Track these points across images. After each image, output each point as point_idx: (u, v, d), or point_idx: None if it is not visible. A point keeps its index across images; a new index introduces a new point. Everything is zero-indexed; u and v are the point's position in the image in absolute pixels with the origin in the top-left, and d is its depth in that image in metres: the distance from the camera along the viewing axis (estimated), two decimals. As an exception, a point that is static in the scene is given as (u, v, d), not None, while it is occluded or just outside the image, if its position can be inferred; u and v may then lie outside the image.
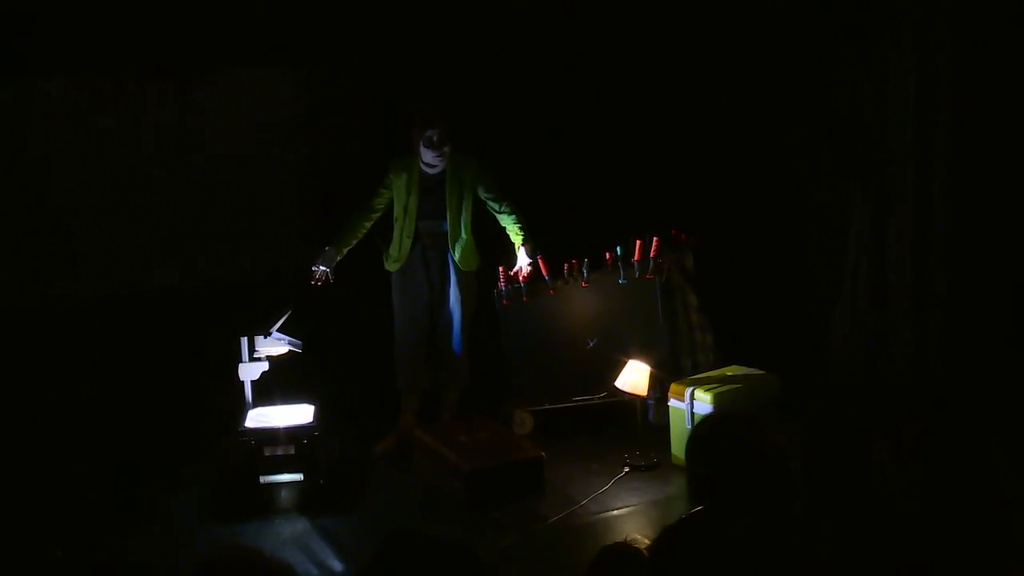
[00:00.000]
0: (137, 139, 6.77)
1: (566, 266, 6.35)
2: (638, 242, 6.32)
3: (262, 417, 5.56)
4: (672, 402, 5.84)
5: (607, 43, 7.10)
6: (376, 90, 7.02)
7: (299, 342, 5.66)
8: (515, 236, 6.15)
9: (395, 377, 6.27)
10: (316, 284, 6.01)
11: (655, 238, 6.33)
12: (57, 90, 6.59)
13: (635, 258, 6.32)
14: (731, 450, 2.97)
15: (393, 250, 6.13)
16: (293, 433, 5.44)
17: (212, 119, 6.88)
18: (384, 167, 6.15)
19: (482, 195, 6.15)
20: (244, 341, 5.54)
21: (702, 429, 3.12)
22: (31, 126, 6.59)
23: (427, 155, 5.92)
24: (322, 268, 5.99)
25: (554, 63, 7.08)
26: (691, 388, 5.75)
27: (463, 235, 6.13)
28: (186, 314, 6.64)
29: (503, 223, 6.18)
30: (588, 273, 6.33)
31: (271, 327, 5.59)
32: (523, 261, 6.15)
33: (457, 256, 6.13)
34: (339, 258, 6.06)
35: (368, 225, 6.15)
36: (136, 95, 6.71)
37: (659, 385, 6.02)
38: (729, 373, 6.00)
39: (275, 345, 5.60)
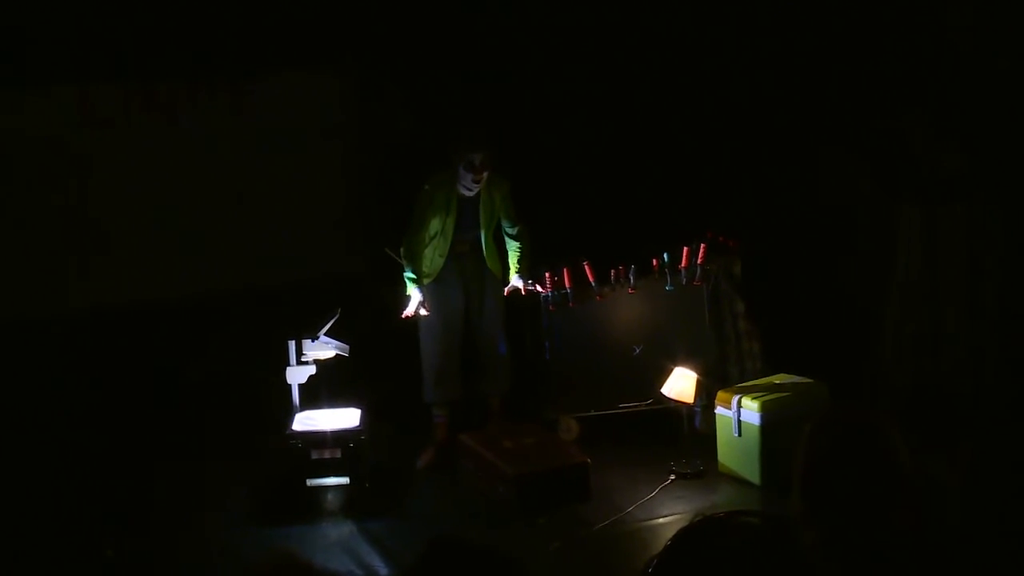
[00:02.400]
0: (187, 143, 6.86)
1: (613, 272, 6.37)
2: (685, 248, 6.33)
3: (309, 420, 5.62)
4: (719, 410, 5.83)
5: (655, 48, 7.12)
6: (424, 95, 7.07)
7: (346, 346, 5.71)
8: (513, 265, 6.20)
9: (424, 392, 6.22)
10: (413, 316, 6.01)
11: (702, 244, 6.34)
12: (107, 97, 6.71)
13: (682, 265, 6.33)
14: (866, 463, 2.52)
15: (425, 266, 6.10)
16: (340, 436, 5.50)
17: (261, 123, 6.95)
18: (422, 181, 6.10)
19: (501, 217, 6.18)
20: (291, 345, 5.60)
21: (823, 440, 2.62)
22: (80, 133, 6.71)
23: (466, 178, 5.91)
24: (417, 301, 5.97)
25: (602, 68, 7.10)
26: (738, 396, 5.74)
27: (492, 244, 6.20)
28: (234, 317, 6.72)
29: (509, 248, 6.23)
30: (635, 279, 6.34)
31: (319, 331, 5.64)
32: (515, 283, 6.19)
33: (489, 263, 6.19)
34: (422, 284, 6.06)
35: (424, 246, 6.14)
36: (186, 100, 6.80)
37: (706, 393, 6.03)
38: (777, 381, 5.98)
39: (322, 349, 5.65)
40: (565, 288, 6.29)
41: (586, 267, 6.30)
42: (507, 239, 6.22)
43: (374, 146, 7.14)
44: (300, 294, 6.63)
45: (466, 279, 6.19)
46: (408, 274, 5.98)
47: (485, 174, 5.91)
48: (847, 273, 6.79)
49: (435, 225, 6.02)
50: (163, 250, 6.93)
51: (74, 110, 6.71)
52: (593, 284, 6.33)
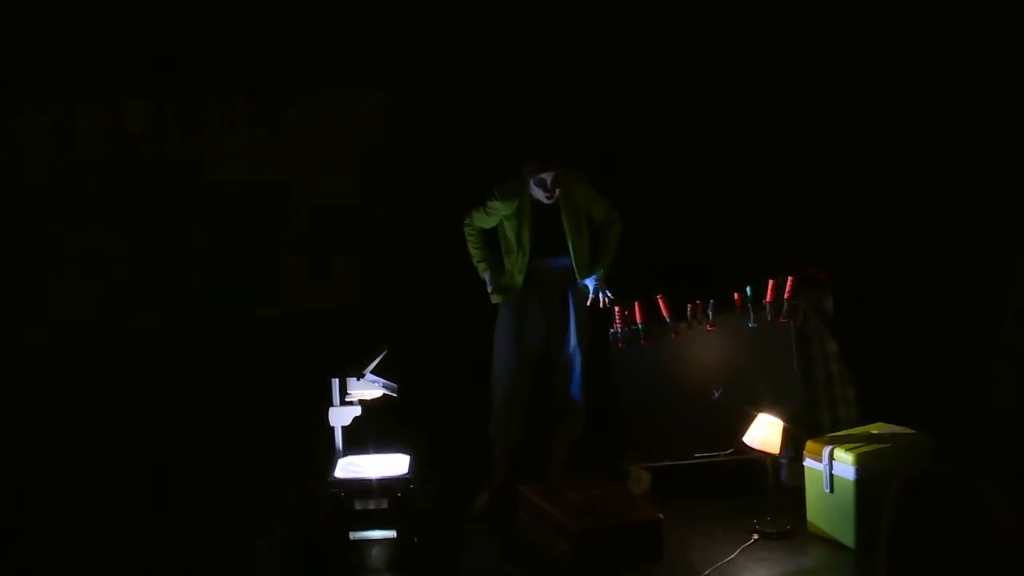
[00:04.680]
0: (223, 161, 6.89)
1: (689, 307, 6.23)
2: (770, 282, 6.18)
3: (353, 467, 5.52)
4: (808, 462, 5.63)
5: (738, 68, 7.13)
6: (478, 114, 7.07)
7: (395, 385, 5.61)
8: (594, 260, 6.09)
9: (490, 427, 6.19)
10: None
11: (789, 277, 6.19)
12: (139, 112, 6.75)
13: (767, 299, 6.19)
14: (960, 528, 2.52)
15: (505, 279, 6.09)
16: (387, 485, 5.39)
17: (303, 141, 7.00)
18: (487, 193, 6.09)
19: (591, 213, 6.12)
20: (335, 383, 5.50)
21: (912, 499, 2.62)
22: (114, 147, 6.78)
23: (537, 193, 5.92)
24: (491, 286, 6.06)
25: (682, 89, 7.13)
26: (830, 447, 5.54)
27: (587, 254, 6.11)
28: (273, 352, 6.71)
29: (602, 238, 6.15)
30: (714, 315, 6.21)
31: (365, 369, 5.54)
32: (594, 284, 6.07)
33: (581, 277, 6.07)
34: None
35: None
36: (222, 116, 6.84)
37: (793, 443, 5.87)
38: (874, 431, 5.77)
39: (369, 388, 5.55)
40: (636, 324, 6.18)
41: (660, 301, 6.18)
42: (603, 232, 6.17)
43: (424, 168, 7.10)
44: (344, 328, 6.62)
45: (549, 313, 6.11)
46: (474, 262, 6.09)
47: (558, 192, 5.89)
48: (955, 310, 6.59)
49: (509, 236, 6.01)
50: (193, 277, 6.93)
51: (105, 125, 6.81)
52: (668, 320, 6.21)
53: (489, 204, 6.01)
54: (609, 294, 6.04)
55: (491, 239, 6.14)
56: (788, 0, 7.01)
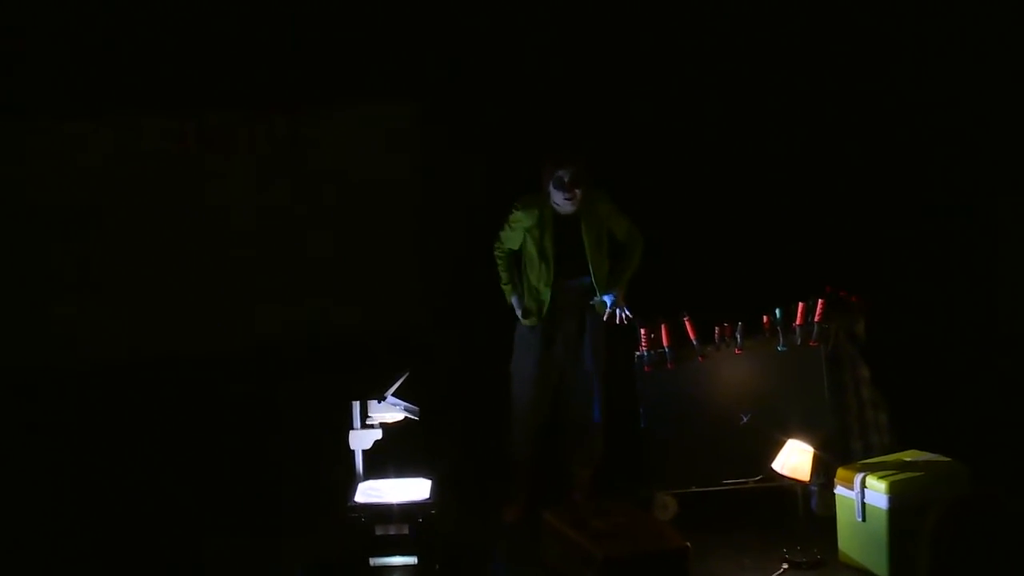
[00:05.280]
0: (242, 179, 6.90)
1: (717, 330, 6.18)
2: (800, 304, 6.13)
3: (373, 491, 5.45)
4: (839, 490, 5.58)
5: (767, 95, 7.14)
6: (502, 129, 7.07)
7: (416, 408, 5.55)
8: (613, 277, 6.05)
9: (508, 443, 6.16)
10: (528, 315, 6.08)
11: (820, 300, 6.14)
12: (158, 126, 6.78)
13: (797, 322, 6.14)
14: (1004, 562, 2.57)
15: (529, 301, 6.05)
16: (408, 510, 5.31)
17: (322, 159, 7.00)
18: (509, 206, 6.10)
19: (612, 230, 6.09)
20: (356, 406, 5.45)
21: (953, 531, 2.68)
22: (130, 164, 6.80)
23: (556, 196, 5.86)
24: (519, 308, 6.05)
25: (710, 108, 7.12)
26: (862, 474, 5.48)
27: (607, 271, 6.07)
28: (293, 374, 6.69)
29: (623, 256, 6.12)
30: (742, 338, 6.16)
31: (386, 391, 5.50)
32: (611, 301, 6.03)
33: (601, 294, 6.04)
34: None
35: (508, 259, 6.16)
36: (243, 132, 6.85)
37: (824, 470, 5.81)
38: (907, 459, 5.70)
39: (390, 411, 5.50)
40: (663, 347, 6.14)
41: (687, 323, 6.13)
42: (624, 252, 6.14)
43: (450, 186, 7.07)
44: (365, 349, 6.61)
45: (566, 326, 6.08)
46: (502, 285, 6.10)
47: (578, 192, 5.82)
48: (991, 334, 6.52)
49: (531, 249, 5.98)
50: (212, 296, 6.93)
51: (126, 141, 6.85)
52: (695, 343, 6.16)
53: (511, 217, 6.01)
54: (628, 312, 6.00)
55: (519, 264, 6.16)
56: (824, 24, 6.96)
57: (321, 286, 7.05)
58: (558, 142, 6.05)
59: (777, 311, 6.15)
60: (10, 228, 6.82)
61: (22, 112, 6.63)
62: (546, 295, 5.99)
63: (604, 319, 6.00)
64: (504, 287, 6.08)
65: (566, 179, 5.77)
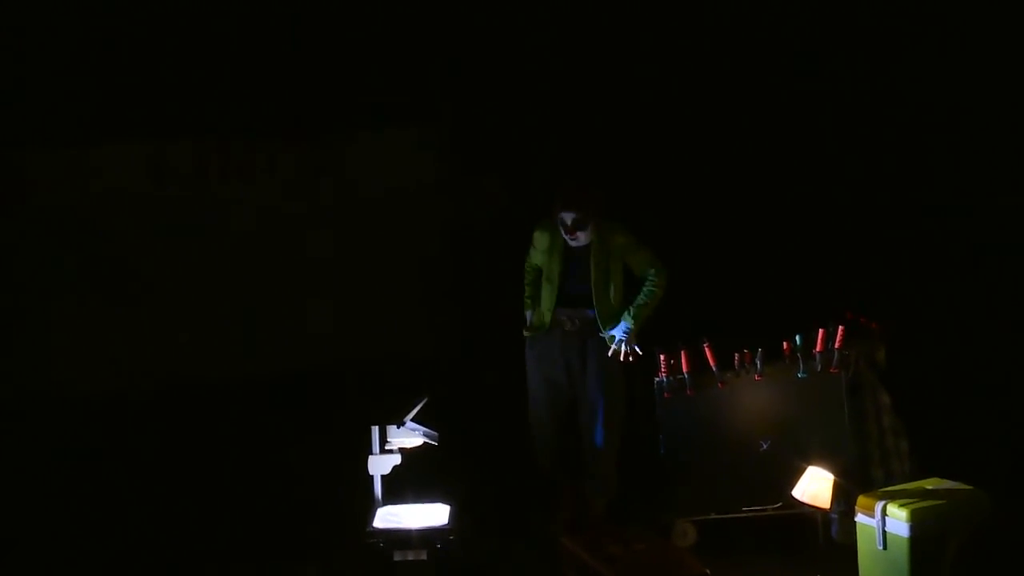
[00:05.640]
0: (265, 205, 6.91)
1: (737, 356, 6.16)
2: (821, 331, 6.11)
3: (392, 517, 5.43)
4: (860, 518, 5.50)
5: (788, 121, 7.14)
6: (515, 154, 7.10)
7: (435, 434, 5.54)
8: (627, 310, 5.99)
9: (536, 462, 6.17)
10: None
11: (840, 327, 6.11)
12: (182, 154, 6.81)
13: (817, 349, 6.11)
14: None
15: (536, 318, 6.12)
16: (426, 536, 5.29)
17: (341, 185, 7.01)
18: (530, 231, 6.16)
19: (630, 266, 6.07)
20: (375, 431, 5.44)
21: (977, 560, 2.61)
22: (155, 191, 6.82)
23: (562, 233, 5.94)
24: (617, 335, 5.99)
25: (737, 137, 7.13)
26: (883, 502, 5.41)
27: (612, 306, 6.03)
28: (311, 399, 6.71)
29: (640, 289, 6.08)
30: (762, 365, 6.14)
31: (405, 416, 5.48)
32: (619, 334, 5.96)
33: (605, 328, 6.00)
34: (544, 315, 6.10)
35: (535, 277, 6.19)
36: (264, 159, 6.89)
37: (844, 497, 5.78)
38: (928, 487, 5.61)
39: (409, 436, 5.48)
40: (682, 373, 6.13)
41: (707, 349, 6.11)
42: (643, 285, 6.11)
43: (472, 214, 7.09)
44: (385, 374, 6.60)
45: (570, 356, 6.07)
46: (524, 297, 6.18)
47: (580, 234, 5.88)
48: (1014, 360, 6.48)
49: (543, 267, 6.06)
50: (233, 322, 6.93)
51: (149, 169, 6.91)
52: (714, 369, 6.14)
53: (533, 237, 6.09)
54: (637, 349, 5.95)
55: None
56: (845, 52, 6.97)
57: (343, 313, 7.05)
58: (571, 179, 6.07)
59: (797, 337, 6.13)
60: (34, 253, 6.87)
61: (48, 141, 6.69)
62: (548, 318, 6.04)
63: (609, 354, 5.97)
64: (525, 300, 6.15)
65: (568, 222, 5.85)
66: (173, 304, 6.97)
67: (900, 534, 5.27)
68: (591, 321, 6.03)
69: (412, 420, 5.50)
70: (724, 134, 7.17)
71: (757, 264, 7.00)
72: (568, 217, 5.85)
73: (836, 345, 6.08)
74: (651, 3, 7.18)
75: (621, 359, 5.95)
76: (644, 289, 6.00)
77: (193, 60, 6.68)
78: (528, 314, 6.14)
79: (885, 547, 5.33)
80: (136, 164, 6.87)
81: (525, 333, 6.15)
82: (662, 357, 6.11)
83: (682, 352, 6.12)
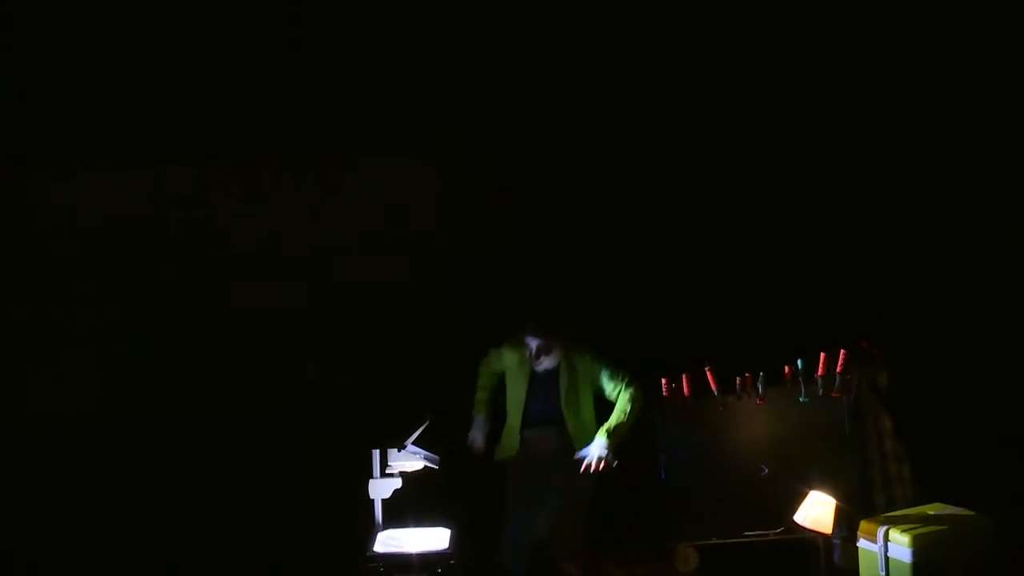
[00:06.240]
0: (268, 229, 6.93)
1: (739, 380, 6.19)
2: (822, 355, 6.13)
3: (393, 541, 5.41)
4: (862, 543, 5.55)
5: (786, 148, 7.15)
6: (521, 179, 7.10)
7: (436, 457, 5.53)
8: (603, 427, 5.75)
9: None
10: (477, 456, 5.90)
11: (842, 351, 6.13)
12: (185, 177, 6.87)
13: (819, 373, 6.13)
14: None
15: (505, 439, 5.96)
16: (427, 560, 5.26)
17: (347, 210, 7.04)
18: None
19: (599, 386, 5.89)
20: (376, 454, 5.43)
21: None
22: (160, 211, 6.86)
23: (527, 356, 5.84)
24: (476, 437, 5.91)
25: (735, 159, 7.13)
26: (885, 527, 5.45)
27: (585, 426, 5.86)
28: (313, 423, 6.69)
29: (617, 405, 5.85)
30: (764, 389, 6.16)
31: (406, 440, 5.46)
32: (595, 451, 5.70)
33: (578, 447, 5.81)
34: (488, 427, 5.97)
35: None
36: (268, 182, 6.92)
37: (846, 522, 5.78)
38: (931, 512, 5.67)
39: (410, 460, 5.47)
40: (684, 397, 6.15)
41: (708, 373, 6.13)
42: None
43: (477, 238, 7.12)
44: (386, 398, 6.56)
45: (534, 474, 5.85)
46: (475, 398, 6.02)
47: (544, 360, 5.78)
48: (1016, 385, 6.49)
49: (510, 389, 5.93)
50: (234, 345, 6.95)
51: (152, 190, 6.92)
52: (716, 393, 6.16)
53: (502, 351, 5.97)
54: (612, 461, 5.66)
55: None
56: (849, 83, 7.00)
57: (345, 337, 7.06)
58: (539, 306, 5.95)
59: (799, 362, 6.15)
60: (32, 278, 6.88)
61: (44, 163, 6.73)
62: (516, 440, 5.87)
63: (581, 470, 5.69)
64: (476, 401, 6.00)
65: (532, 349, 5.77)
66: (174, 327, 6.97)
67: (902, 559, 5.30)
68: (559, 442, 5.85)
69: (413, 444, 5.48)
70: (727, 156, 7.15)
71: (759, 288, 7.00)
72: (534, 343, 5.77)
73: (838, 369, 6.10)
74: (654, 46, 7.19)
75: (592, 471, 5.67)
76: (619, 406, 5.77)
77: (196, 84, 6.70)
78: (479, 419, 5.96)
79: (887, 573, 5.36)
80: (137, 187, 6.89)
81: (499, 457, 5.93)
82: (663, 381, 6.14)
83: (684, 376, 6.14)
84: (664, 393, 6.13)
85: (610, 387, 5.83)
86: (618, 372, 5.84)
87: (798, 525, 5.70)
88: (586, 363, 5.88)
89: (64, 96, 6.69)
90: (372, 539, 5.39)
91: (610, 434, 5.68)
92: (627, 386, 5.78)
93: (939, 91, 6.86)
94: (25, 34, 6.68)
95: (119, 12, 6.70)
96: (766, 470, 6.10)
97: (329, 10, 6.84)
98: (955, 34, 6.85)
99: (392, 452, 5.45)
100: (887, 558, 5.38)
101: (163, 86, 6.70)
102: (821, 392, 6.12)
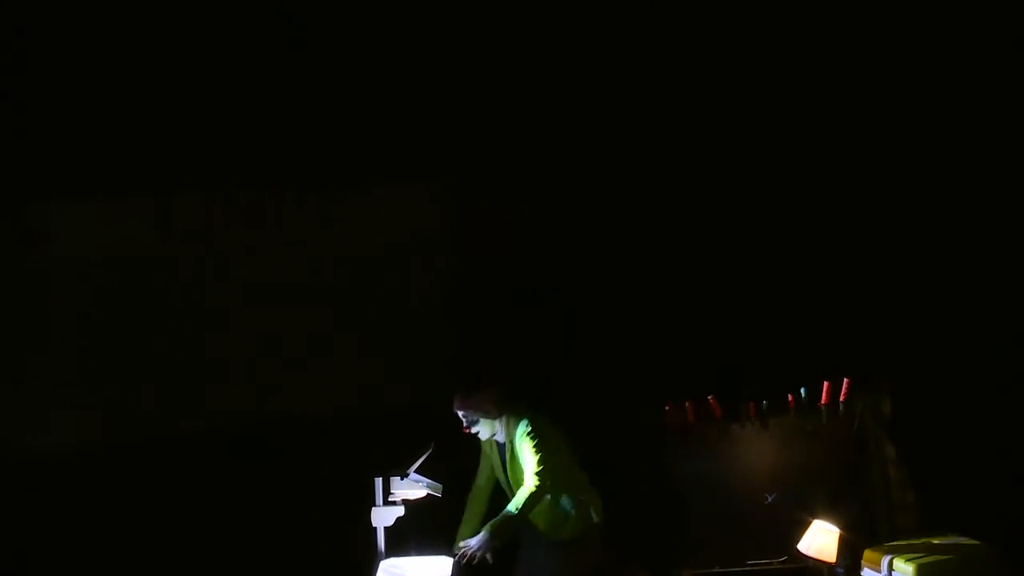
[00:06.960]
0: (271, 256, 6.97)
1: (742, 408, 6.20)
2: (826, 383, 6.15)
3: (395, 569, 5.40)
4: (866, 572, 5.59)
5: (791, 173, 7.15)
6: (525, 204, 7.10)
7: (439, 485, 5.53)
8: (493, 520, 5.32)
9: None
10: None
11: (846, 380, 6.15)
12: (188, 206, 6.90)
13: (822, 401, 6.15)
14: None
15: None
16: None
17: (350, 234, 7.07)
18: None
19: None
20: (378, 482, 5.43)
21: None
22: (164, 241, 6.89)
23: None
24: (472, 543, 5.40)
25: (739, 189, 7.13)
26: (889, 556, 5.48)
27: (545, 506, 5.48)
28: (314, 450, 6.68)
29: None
30: (767, 417, 6.17)
31: (409, 468, 5.47)
32: (474, 544, 5.27)
33: (542, 527, 5.57)
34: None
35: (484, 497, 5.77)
36: (271, 209, 6.95)
37: (850, 551, 5.77)
38: (935, 540, 5.68)
39: (412, 488, 5.47)
40: (688, 425, 6.16)
41: (712, 402, 6.15)
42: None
43: (478, 266, 7.14)
44: (389, 426, 6.53)
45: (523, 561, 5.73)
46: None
47: (474, 429, 5.56)
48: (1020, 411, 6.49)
49: (491, 470, 5.73)
50: (234, 371, 6.96)
51: (155, 220, 6.94)
52: (720, 421, 6.18)
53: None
54: (488, 556, 5.19)
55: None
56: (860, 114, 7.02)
57: (347, 363, 7.08)
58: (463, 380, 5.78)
59: (803, 390, 6.17)
60: (35, 309, 6.91)
61: (49, 192, 6.78)
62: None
63: (457, 557, 5.33)
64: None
65: (463, 420, 5.55)
66: (174, 354, 6.99)
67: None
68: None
69: (416, 471, 5.48)
70: (730, 186, 7.13)
71: (763, 316, 6.99)
72: (459, 413, 5.53)
73: (842, 398, 6.12)
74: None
75: (464, 562, 5.27)
76: (514, 499, 5.32)
77: (199, 114, 6.75)
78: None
79: (892, 602, 5.36)
80: (139, 216, 6.92)
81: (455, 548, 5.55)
82: (667, 408, 6.15)
83: (687, 404, 6.16)
84: (667, 420, 6.14)
85: (527, 469, 5.42)
86: (536, 456, 5.34)
87: (802, 554, 5.70)
88: (515, 436, 5.53)
89: (64, 124, 6.74)
90: (374, 567, 5.38)
91: (493, 533, 5.21)
92: (535, 475, 5.29)
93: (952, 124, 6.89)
94: (29, 61, 6.73)
95: (122, 41, 6.75)
96: (769, 498, 6.10)
97: (330, 40, 6.88)
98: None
99: (395, 480, 5.43)
100: (891, 587, 5.37)
101: (163, 114, 6.74)
102: (825, 420, 6.12)
